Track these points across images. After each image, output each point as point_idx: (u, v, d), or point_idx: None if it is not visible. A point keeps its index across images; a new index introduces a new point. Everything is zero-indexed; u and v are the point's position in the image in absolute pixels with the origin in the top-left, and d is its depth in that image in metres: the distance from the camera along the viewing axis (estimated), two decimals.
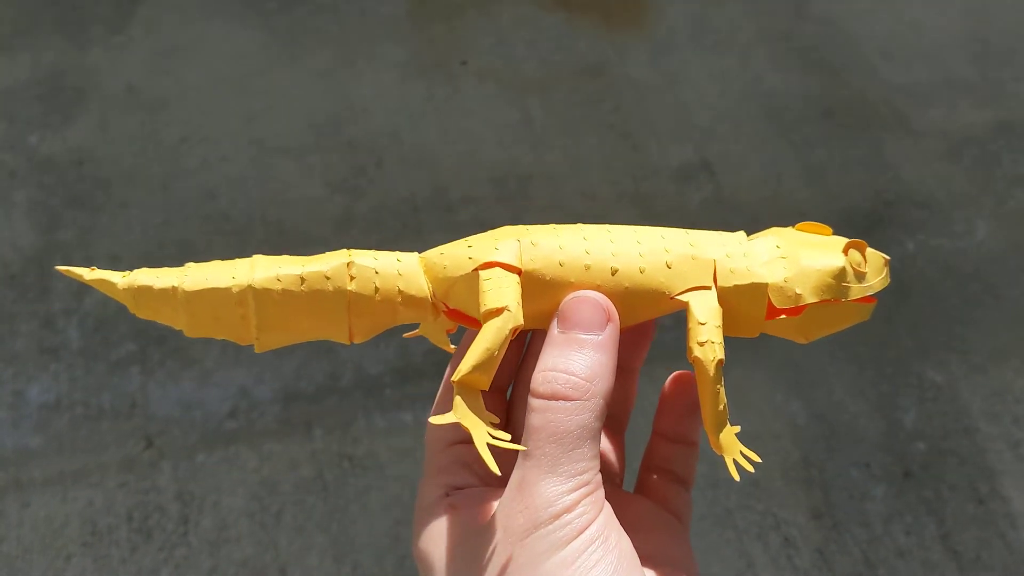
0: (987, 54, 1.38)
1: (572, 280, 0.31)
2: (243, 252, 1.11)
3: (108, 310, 1.05)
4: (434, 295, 0.32)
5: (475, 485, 0.32)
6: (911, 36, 1.39)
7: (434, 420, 0.30)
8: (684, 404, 0.35)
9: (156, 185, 1.15)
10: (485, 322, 0.30)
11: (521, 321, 0.30)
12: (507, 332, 0.29)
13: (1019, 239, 1.18)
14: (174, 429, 0.98)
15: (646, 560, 0.30)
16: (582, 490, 0.28)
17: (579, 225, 0.33)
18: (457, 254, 0.31)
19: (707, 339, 0.31)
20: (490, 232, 0.32)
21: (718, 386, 0.31)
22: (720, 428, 0.32)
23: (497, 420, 0.30)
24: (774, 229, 0.35)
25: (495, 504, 0.29)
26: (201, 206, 1.14)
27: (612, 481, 0.37)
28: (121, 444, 0.97)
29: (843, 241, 0.34)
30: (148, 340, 1.04)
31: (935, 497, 0.98)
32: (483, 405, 0.30)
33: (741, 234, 0.35)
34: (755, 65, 1.34)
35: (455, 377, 0.29)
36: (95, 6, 1.35)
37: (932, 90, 1.33)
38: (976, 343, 1.09)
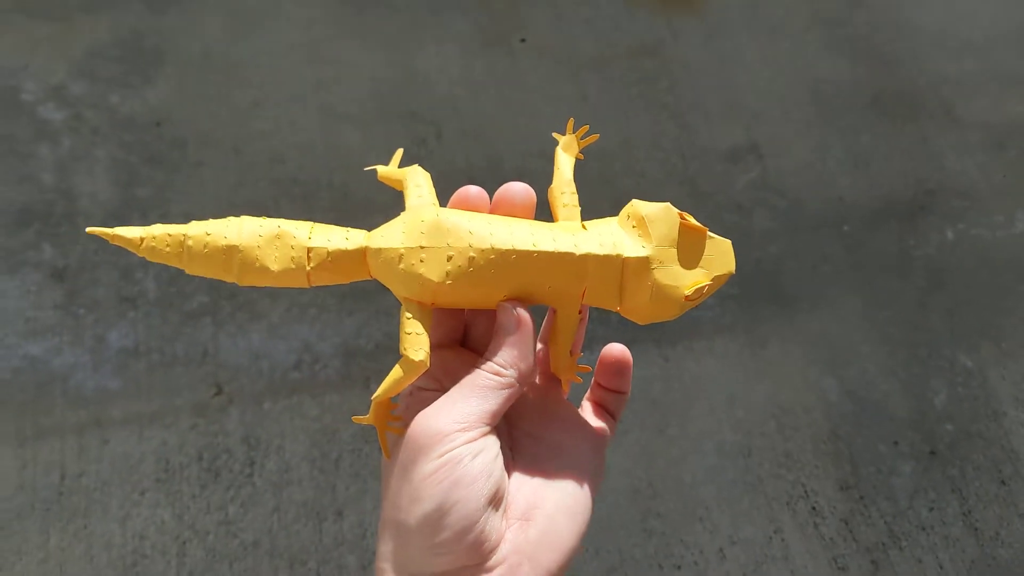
0: None
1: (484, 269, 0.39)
2: (310, 215, 1.18)
3: None
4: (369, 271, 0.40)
5: (433, 389, 0.40)
6: (963, 27, 1.41)
7: (355, 419, 0.40)
8: (614, 368, 0.44)
9: (229, 147, 1.21)
10: (402, 364, 0.38)
11: (427, 366, 0.38)
12: (416, 376, 0.38)
13: None
14: (242, 377, 1.05)
15: (558, 454, 0.40)
16: (465, 428, 0.36)
17: (488, 216, 0.40)
18: (390, 259, 0.38)
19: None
20: (417, 226, 0.39)
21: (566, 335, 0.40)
22: (561, 358, 0.41)
23: (399, 431, 0.40)
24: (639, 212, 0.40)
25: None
26: (271, 169, 1.20)
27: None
28: (193, 389, 1.04)
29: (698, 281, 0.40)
30: (220, 294, 1.10)
31: (960, 476, 1.03)
32: (388, 413, 0.40)
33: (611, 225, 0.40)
34: (807, 51, 1.37)
35: (374, 396, 0.39)
36: None
37: (980, 82, 1.35)
38: (1009, 331, 1.12)
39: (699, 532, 0.98)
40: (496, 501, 0.36)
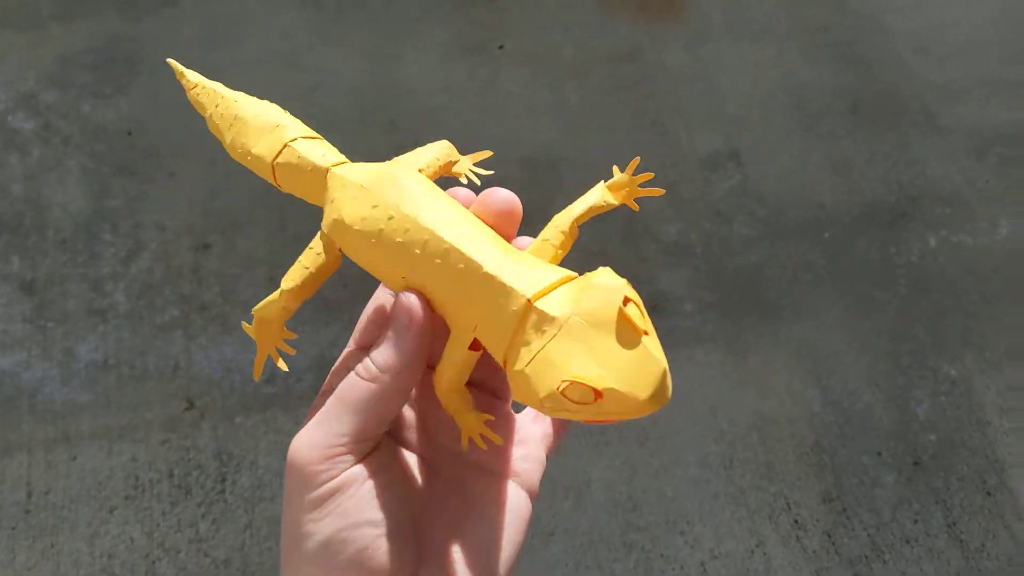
0: (1019, 54, 1.38)
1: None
2: (284, 224, 1.16)
3: (154, 276, 1.10)
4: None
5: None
6: (947, 33, 1.40)
7: (244, 326, 0.38)
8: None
9: (203, 157, 1.20)
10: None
11: (293, 300, 0.36)
12: (284, 303, 0.36)
13: None
14: (214, 391, 1.03)
15: (485, 475, 0.35)
16: (340, 447, 0.32)
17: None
18: (334, 186, 0.36)
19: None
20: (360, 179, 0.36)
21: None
22: (440, 387, 0.34)
23: (292, 352, 0.38)
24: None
25: None
26: (247, 179, 1.19)
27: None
28: (164, 404, 1.02)
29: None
30: (191, 306, 1.08)
31: (944, 487, 1.01)
32: (275, 335, 0.38)
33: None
34: (788, 57, 1.36)
35: (254, 308, 0.37)
36: None
37: (963, 88, 1.34)
38: (992, 339, 1.11)
39: (680, 546, 0.97)
40: (397, 532, 0.32)
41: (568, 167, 1.22)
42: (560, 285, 0.31)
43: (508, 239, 0.34)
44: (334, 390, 0.33)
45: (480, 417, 0.34)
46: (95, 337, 1.06)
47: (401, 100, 1.27)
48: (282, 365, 0.38)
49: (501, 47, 1.35)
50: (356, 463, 0.32)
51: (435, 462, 0.35)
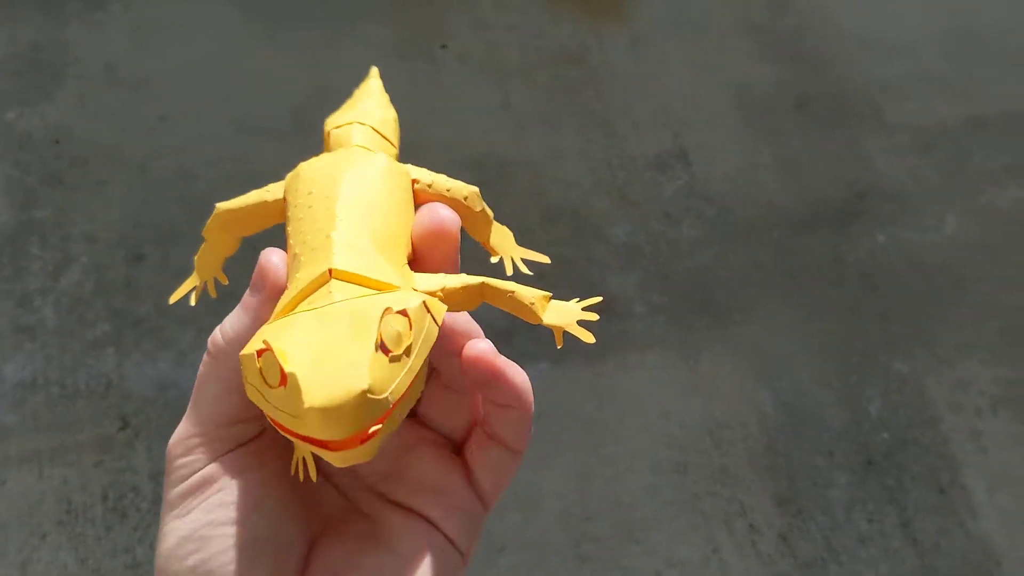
0: (963, 50, 1.39)
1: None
2: None
3: (83, 290, 1.06)
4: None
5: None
6: (890, 30, 1.40)
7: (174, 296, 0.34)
8: (474, 371, 0.29)
9: (134, 165, 1.15)
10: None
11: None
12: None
13: (988, 234, 1.20)
14: (149, 409, 0.99)
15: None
16: (195, 439, 0.28)
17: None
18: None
19: None
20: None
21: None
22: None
23: (225, 281, 0.35)
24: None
25: None
26: (179, 187, 1.15)
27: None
28: (97, 423, 0.98)
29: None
30: (123, 321, 1.04)
31: (897, 486, 1.01)
32: (216, 264, 0.35)
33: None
34: (734, 55, 1.35)
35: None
36: None
37: (908, 84, 1.34)
38: (942, 336, 1.11)
39: (635, 555, 0.95)
40: (259, 549, 0.27)
41: (515, 170, 1.20)
42: (381, 287, 0.27)
43: (445, 262, 0.30)
44: None
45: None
46: (22, 356, 1.01)
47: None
48: (211, 290, 0.35)
49: (443, 47, 1.32)
50: (222, 455, 0.28)
51: (345, 485, 0.31)
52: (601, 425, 1.02)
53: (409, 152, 1.19)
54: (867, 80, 1.34)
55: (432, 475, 0.30)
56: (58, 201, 1.12)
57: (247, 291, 0.28)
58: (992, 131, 1.30)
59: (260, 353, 0.24)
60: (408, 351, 0.24)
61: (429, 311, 0.26)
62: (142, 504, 0.94)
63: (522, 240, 1.13)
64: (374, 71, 0.37)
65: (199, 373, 0.28)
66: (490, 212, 0.33)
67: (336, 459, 0.24)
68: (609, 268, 1.13)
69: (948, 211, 1.22)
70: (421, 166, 0.35)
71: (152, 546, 0.92)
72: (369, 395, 0.23)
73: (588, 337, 0.30)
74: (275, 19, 1.33)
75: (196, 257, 0.35)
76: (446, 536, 0.30)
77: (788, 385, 1.06)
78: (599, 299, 0.32)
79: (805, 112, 1.30)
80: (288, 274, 0.28)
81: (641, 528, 0.97)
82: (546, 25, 1.36)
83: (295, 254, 0.28)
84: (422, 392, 0.30)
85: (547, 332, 1.07)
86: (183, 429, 0.28)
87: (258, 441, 0.29)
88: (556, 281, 1.10)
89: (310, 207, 0.29)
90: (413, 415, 0.32)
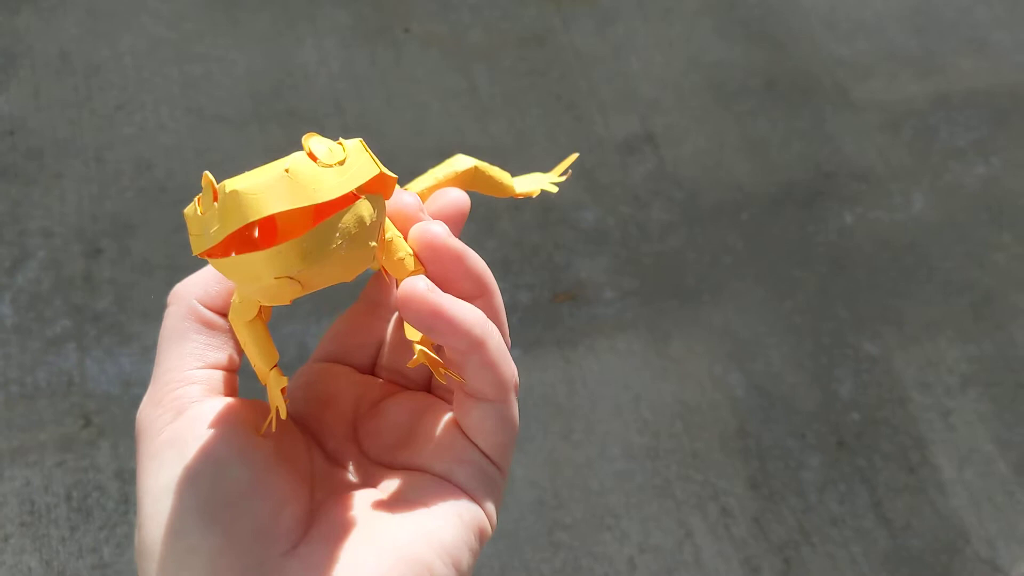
0: (928, 27, 1.39)
1: None
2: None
3: (42, 286, 1.03)
4: None
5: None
6: (854, 7, 1.40)
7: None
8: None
9: (90, 155, 1.13)
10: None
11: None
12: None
13: (954, 212, 1.20)
14: (113, 407, 0.97)
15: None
16: (160, 395, 0.27)
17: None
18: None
19: None
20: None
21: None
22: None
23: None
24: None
25: None
26: (137, 177, 1.12)
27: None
28: (59, 422, 0.96)
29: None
30: (84, 317, 1.02)
31: (868, 466, 1.01)
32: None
33: None
34: (699, 36, 1.34)
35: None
36: None
37: (873, 62, 1.34)
38: (910, 315, 1.11)
39: (608, 542, 0.95)
40: (270, 482, 0.26)
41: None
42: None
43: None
44: None
45: (279, 380, 0.27)
46: None
47: (300, 89, 1.22)
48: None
49: (406, 30, 1.30)
50: (188, 409, 0.27)
51: (342, 456, 0.30)
52: (572, 411, 1.02)
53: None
54: (833, 59, 1.33)
55: (436, 434, 0.29)
56: (13, 195, 1.09)
57: None
58: (958, 108, 1.30)
59: (202, 183, 0.24)
60: (343, 165, 0.24)
61: (368, 152, 0.25)
62: (107, 503, 0.92)
63: (489, 227, 1.11)
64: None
65: (162, 328, 0.28)
66: (476, 163, 0.34)
67: (266, 260, 0.23)
68: (578, 253, 1.12)
69: (915, 189, 1.22)
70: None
71: (119, 545, 0.90)
72: (288, 174, 0.23)
73: (553, 188, 0.33)
74: (233, 3, 1.30)
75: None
76: (458, 487, 0.28)
77: (759, 368, 1.06)
78: (575, 155, 0.32)
79: (772, 91, 1.29)
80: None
81: (613, 514, 0.96)
82: (510, 6, 1.34)
83: None
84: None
85: (519, 318, 1.05)
86: (152, 391, 0.27)
87: (228, 403, 0.28)
88: (524, 267, 1.09)
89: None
90: (426, 388, 0.31)
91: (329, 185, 0.23)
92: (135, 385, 0.98)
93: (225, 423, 0.27)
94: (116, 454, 0.95)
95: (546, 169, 0.33)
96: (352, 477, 0.29)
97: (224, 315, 0.29)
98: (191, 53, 1.23)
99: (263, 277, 0.24)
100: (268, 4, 1.30)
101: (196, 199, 0.24)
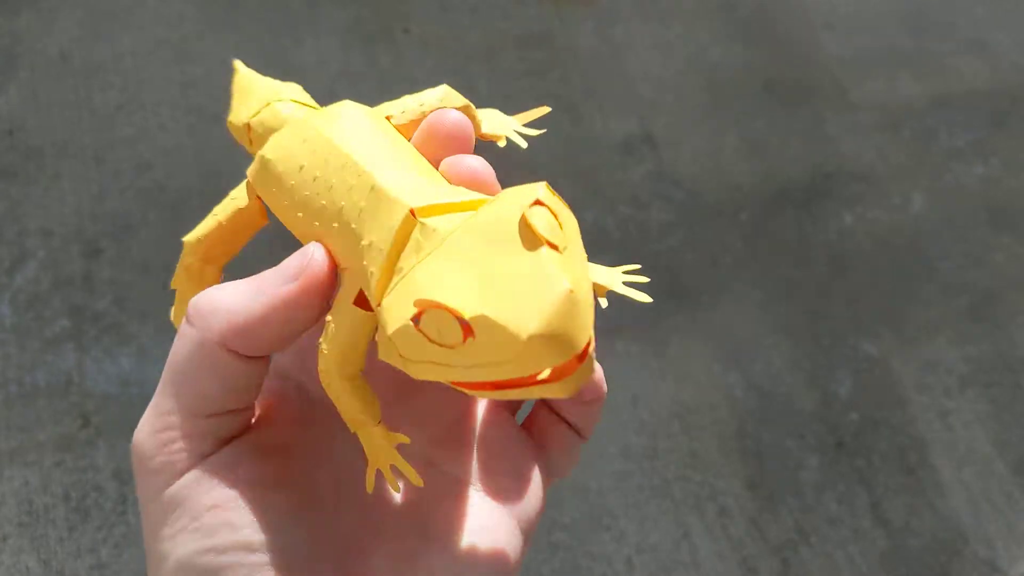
0: (927, 27, 1.39)
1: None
2: (180, 225, 1.10)
3: (41, 286, 1.03)
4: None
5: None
6: (854, 8, 1.40)
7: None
8: None
9: (90, 155, 1.13)
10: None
11: (191, 248, 0.30)
12: (187, 256, 0.29)
13: (953, 213, 1.20)
14: (111, 407, 0.97)
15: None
16: (172, 432, 0.24)
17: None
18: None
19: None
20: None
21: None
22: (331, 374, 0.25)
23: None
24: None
25: None
26: (137, 177, 1.12)
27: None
28: (57, 422, 0.96)
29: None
30: (83, 317, 1.02)
31: (867, 466, 1.01)
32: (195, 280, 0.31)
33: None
34: (698, 36, 1.34)
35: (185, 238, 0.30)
36: None
37: (872, 63, 1.34)
38: (910, 316, 1.11)
39: (606, 542, 0.95)
40: (289, 561, 0.23)
41: (479, 155, 1.18)
42: (472, 206, 0.23)
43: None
44: None
45: (390, 437, 0.24)
46: None
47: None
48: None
49: (406, 31, 1.30)
50: (208, 455, 0.23)
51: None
52: None
53: None
54: (832, 59, 1.33)
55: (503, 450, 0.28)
56: (12, 195, 1.09)
57: (269, 272, 0.24)
58: (957, 109, 1.30)
59: (418, 317, 0.20)
60: (565, 239, 0.21)
61: (552, 192, 0.22)
62: (105, 504, 0.92)
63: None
64: (238, 64, 0.32)
65: (175, 351, 0.24)
66: (468, 102, 0.31)
67: (563, 388, 0.19)
68: None
69: (914, 190, 1.22)
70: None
71: (117, 545, 0.90)
72: (572, 293, 0.19)
73: (522, 142, 0.31)
74: (233, 3, 1.30)
75: (174, 308, 0.30)
76: (509, 512, 0.26)
77: (758, 368, 1.06)
78: (546, 109, 0.31)
79: (770, 92, 1.29)
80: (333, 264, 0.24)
81: (611, 515, 0.96)
82: (509, 7, 1.35)
83: (330, 232, 0.24)
84: None
85: None
86: (155, 420, 0.23)
87: (249, 439, 0.25)
88: None
89: (315, 179, 0.25)
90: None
91: (582, 276, 0.20)
92: (134, 385, 0.98)
93: (250, 481, 0.24)
94: (114, 455, 0.95)
95: (547, 167, 0.32)
96: (370, 511, 0.27)
97: (256, 350, 0.24)
98: (191, 53, 1.23)
99: (557, 392, 0.20)
100: (267, 5, 1.31)
101: (411, 318, 0.20)
